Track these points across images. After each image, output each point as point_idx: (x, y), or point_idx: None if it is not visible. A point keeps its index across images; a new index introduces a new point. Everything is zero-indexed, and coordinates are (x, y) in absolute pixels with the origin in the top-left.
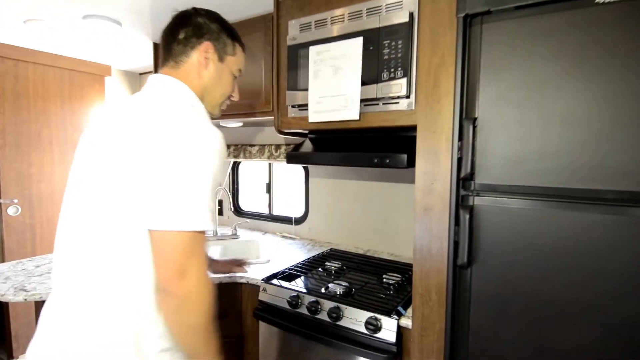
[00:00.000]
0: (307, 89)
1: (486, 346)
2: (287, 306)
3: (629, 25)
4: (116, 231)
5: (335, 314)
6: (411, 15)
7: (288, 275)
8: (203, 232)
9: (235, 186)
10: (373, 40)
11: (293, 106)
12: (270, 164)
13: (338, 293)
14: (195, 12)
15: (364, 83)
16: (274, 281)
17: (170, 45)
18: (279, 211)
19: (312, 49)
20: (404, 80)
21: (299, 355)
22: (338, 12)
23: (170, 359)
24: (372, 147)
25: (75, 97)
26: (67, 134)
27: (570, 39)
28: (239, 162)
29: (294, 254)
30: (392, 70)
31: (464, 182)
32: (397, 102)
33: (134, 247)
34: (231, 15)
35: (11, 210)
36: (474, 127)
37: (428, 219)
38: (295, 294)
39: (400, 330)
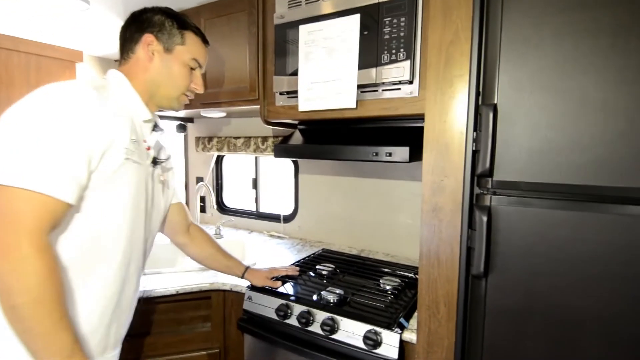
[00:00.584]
0: (296, 74)
1: None
2: (275, 317)
3: None
4: None
5: (330, 327)
6: None
7: (275, 280)
8: (37, 197)
9: (219, 181)
10: (372, 18)
11: (281, 93)
12: (256, 158)
13: (332, 301)
14: (144, 10)
15: (361, 67)
16: (260, 288)
17: (121, 44)
18: (266, 208)
19: (303, 28)
20: (406, 63)
21: None
22: None
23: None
24: (369, 140)
25: (43, 84)
26: None
27: (610, 12)
28: (223, 156)
29: (283, 255)
30: (394, 51)
31: (479, 179)
32: (399, 88)
33: None
34: None
35: None
36: (495, 115)
37: (437, 221)
38: (284, 302)
39: (402, 344)
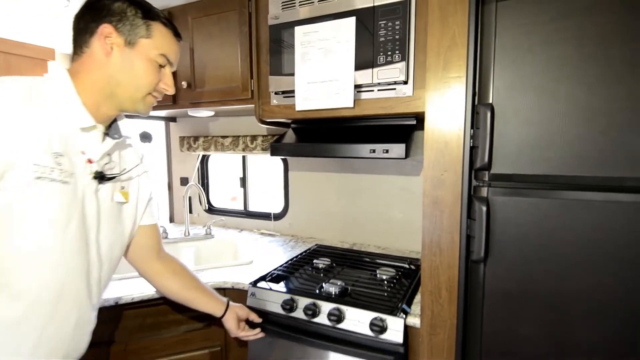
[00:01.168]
0: (292, 74)
1: (501, 343)
2: (280, 311)
3: None
4: None
5: (336, 317)
6: None
7: (277, 276)
8: None
9: (205, 182)
10: (367, 21)
11: (277, 93)
12: (244, 157)
13: (334, 293)
14: None
15: (357, 68)
16: (263, 284)
17: (74, 37)
18: (254, 207)
19: (298, 30)
20: (402, 65)
21: None
22: None
23: None
24: (365, 138)
25: None
26: None
27: (594, 21)
28: (208, 156)
29: (277, 252)
30: (389, 53)
31: (476, 172)
32: (394, 88)
33: None
34: None
35: None
36: (492, 114)
37: (438, 212)
38: (289, 297)
39: (406, 329)
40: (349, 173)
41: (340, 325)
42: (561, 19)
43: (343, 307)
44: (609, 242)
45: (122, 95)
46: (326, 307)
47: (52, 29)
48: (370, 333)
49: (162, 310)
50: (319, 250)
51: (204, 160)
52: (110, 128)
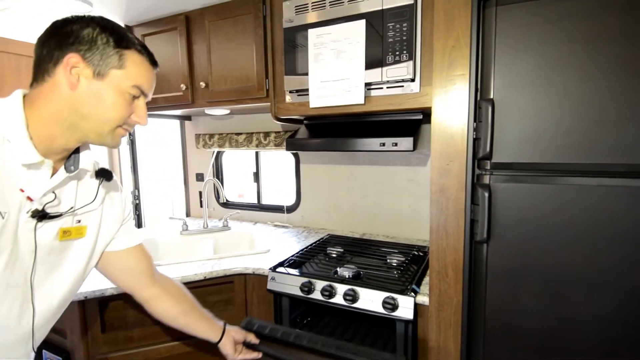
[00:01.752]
0: (306, 74)
1: (503, 316)
2: (299, 293)
3: None
4: None
5: (351, 296)
6: None
7: (293, 263)
8: None
9: (220, 177)
10: (376, 23)
11: (291, 91)
12: (257, 153)
13: (348, 276)
14: (69, 20)
15: (368, 67)
16: (282, 269)
17: (35, 62)
18: (267, 200)
19: (312, 32)
20: (409, 64)
21: None
22: None
23: None
24: (375, 132)
25: None
26: None
27: (584, 23)
28: (222, 152)
29: (291, 242)
30: (397, 53)
31: (479, 161)
32: (402, 86)
33: None
34: None
35: None
36: (493, 108)
37: (444, 199)
38: (307, 280)
39: (416, 307)
40: (357, 165)
41: (355, 305)
42: (555, 21)
43: (357, 288)
44: (600, 222)
45: (86, 129)
46: (341, 288)
47: None
48: (383, 310)
49: None
50: (331, 240)
51: (218, 157)
52: (69, 159)
